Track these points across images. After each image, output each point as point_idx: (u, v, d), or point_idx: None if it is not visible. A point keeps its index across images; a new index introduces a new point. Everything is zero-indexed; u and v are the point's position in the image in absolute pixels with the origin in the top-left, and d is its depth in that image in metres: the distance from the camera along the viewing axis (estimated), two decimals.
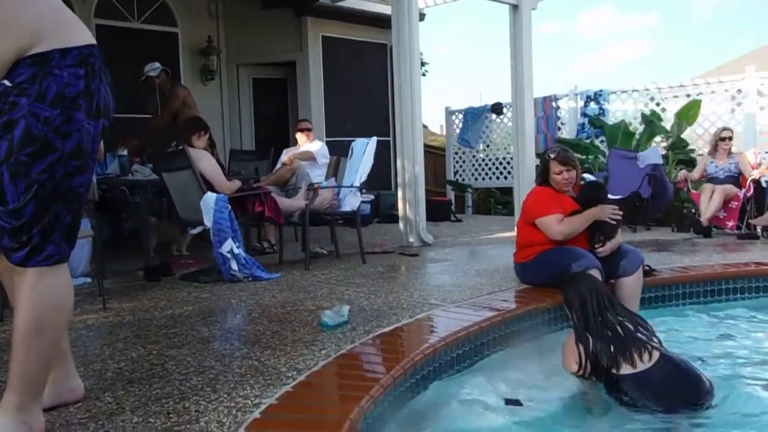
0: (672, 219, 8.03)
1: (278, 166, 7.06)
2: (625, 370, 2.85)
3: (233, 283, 4.89)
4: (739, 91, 9.06)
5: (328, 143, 7.93)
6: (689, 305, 4.78)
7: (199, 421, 2.21)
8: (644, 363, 2.84)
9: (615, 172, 8.24)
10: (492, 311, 3.71)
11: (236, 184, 5.44)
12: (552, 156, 4.29)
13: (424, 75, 19.12)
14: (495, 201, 11.69)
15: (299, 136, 7.30)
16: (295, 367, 2.80)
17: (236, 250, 4.98)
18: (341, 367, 2.86)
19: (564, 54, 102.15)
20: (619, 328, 3.01)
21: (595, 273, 3.84)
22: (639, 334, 2.97)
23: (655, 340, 2.97)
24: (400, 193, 7.01)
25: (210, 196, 5.02)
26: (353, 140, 6.39)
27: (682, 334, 4.09)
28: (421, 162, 6.88)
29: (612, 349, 2.92)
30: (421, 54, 18.03)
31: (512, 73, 7.80)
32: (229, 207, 5.01)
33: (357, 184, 5.93)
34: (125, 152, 6.14)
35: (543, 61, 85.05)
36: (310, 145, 7.15)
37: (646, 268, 4.56)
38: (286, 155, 7.13)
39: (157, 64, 7.21)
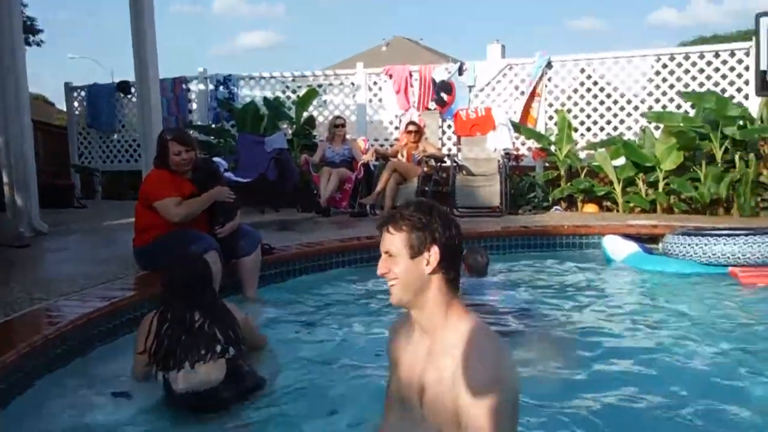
0: (297, 200, 8.57)
1: None
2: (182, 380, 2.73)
3: None
4: (353, 84, 10.07)
5: None
6: (303, 277, 5.18)
7: None
8: (206, 374, 2.73)
9: (244, 156, 8.47)
10: (104, 301, 3.51)
11: None
12: (169, 137, 4.19)
13: (39, 45, 17.17)
14: (129, 185, 11.09)
15: None
16: None
17: None
18: None
19: (200, 36, 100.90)
20: (200, 323, 2.82)
21: (214, 254, 3.89)
22: (217, 336, 2.81)
23: (231, 350, 2.82)
24: (5, 178, 6.19)
25: None
26: None
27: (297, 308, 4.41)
28: (29, 141, 6.18)
29: (182, 339, 2.77)
30: (34, 21, 16.19)
31: (135, 50, 7.42)
32: None
33: None
34: None
35: (177, 41, 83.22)
36: None
37: (266, 246, 4.79)
38: None
39: None
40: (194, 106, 10.74)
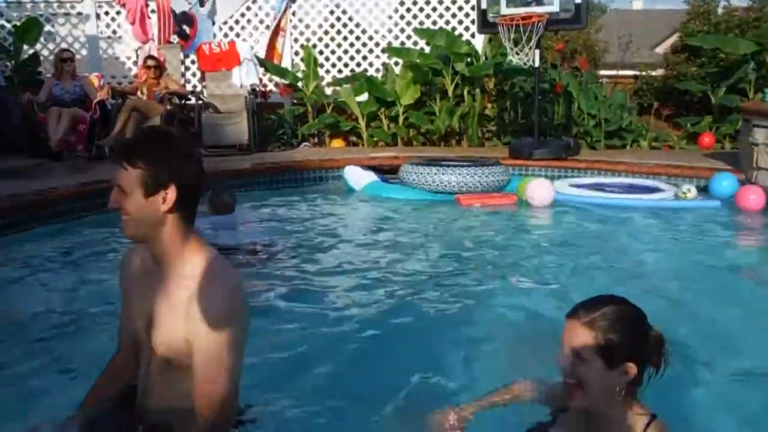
0: (20, 144, 7.64)
1: None
2: None
3: None
4: (80, 13, 9.11)
5: None
6: (38, 228, 4.73)
7: None
8: None
9: None
10: None
11: None
12: None
13: None
14: None
15: None
16: None
17: None
18: None
19: None
20: None
21: None
22: None
23: None
24: None
25: None
26: None
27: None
28: None
29: None
30: None
31: None
32: None
33: None
34: None
35: None
36: None
37: None
38: None
39: None
40: None
